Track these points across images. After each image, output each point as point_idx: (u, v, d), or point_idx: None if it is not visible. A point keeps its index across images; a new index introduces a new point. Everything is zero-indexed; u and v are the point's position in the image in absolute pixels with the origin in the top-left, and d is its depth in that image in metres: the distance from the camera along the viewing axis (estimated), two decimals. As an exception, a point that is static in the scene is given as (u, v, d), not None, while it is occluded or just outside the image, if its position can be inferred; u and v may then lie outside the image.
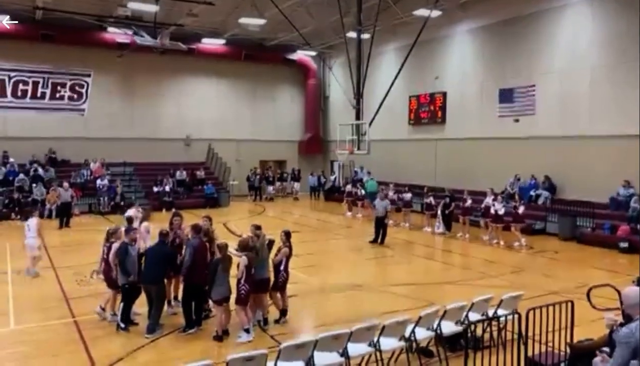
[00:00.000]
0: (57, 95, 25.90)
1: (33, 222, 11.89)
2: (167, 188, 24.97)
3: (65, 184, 20.70)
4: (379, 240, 16.26)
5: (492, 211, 16.50)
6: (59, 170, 24.44)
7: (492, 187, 17.87)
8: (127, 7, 20.32)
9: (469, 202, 17.70)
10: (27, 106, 25.30)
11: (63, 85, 26.00)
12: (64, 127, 25.58)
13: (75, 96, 26.32)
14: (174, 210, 12.45)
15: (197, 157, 29.05)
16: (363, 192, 23.01)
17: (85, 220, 20.65)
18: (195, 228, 8.61)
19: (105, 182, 23.92)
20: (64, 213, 19.92)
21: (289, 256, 8.74)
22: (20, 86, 25.13)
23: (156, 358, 7.39)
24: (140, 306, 8.56)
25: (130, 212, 12.05)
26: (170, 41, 23.05)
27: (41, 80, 25.56)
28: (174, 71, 28.20)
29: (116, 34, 25.23)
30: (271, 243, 8.84)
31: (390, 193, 20.31)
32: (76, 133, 25.79)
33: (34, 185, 22.70)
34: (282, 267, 8.65)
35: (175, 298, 9.32)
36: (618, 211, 16.48)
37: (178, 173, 26.71)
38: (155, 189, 24.95)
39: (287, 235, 8.88)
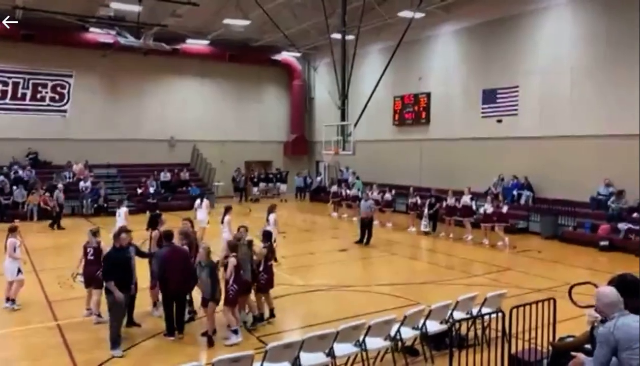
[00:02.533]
0: (38, 96, 25.54)
1: (123, 210, 14.57)
2: (151, 189, 24.74)
3: (60, 186, 20.99)
4: (365, 241, 16.33)
5: (482, 210, 16.64)
6: (41, 172, 24.09)
7: (471, 187, 18.07)
8: (110, 7, 20.10)
9: (451, 200, 17.84)
10: (7, 107, 24.91)
11: (44, 86, 25.65)
12: (45, 128, 25.25)
13: (57, 97, 25.98)
14: (157, 211, 12.42)
15: (181, 158, 28.85)
16: (354, 191, 22.81)
17: (68, 223, 20.36)
18: (166, 236, 8.49)
19: (89, 184, 23.64)
20: (57, 215, 19.92)
21: (268, 257, 8.71)
22: (0, 87, 24.73)
23: (140, 362, 7.32)
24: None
25: (205, 202, 15.54)
26: (154, 42, 22.89)
27: (21, 81, 25.19)
28: (158, 72, 27.99)
29: (99, 34, 24.94)
30: (250, 243, 8.78)
31: (375, 194, 20.41)
32: (58, 135, 25.46)
33: (14, 187, 22.34)
34: (261, 268, 8.60)
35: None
36: (598, 210, 16.77)
37: (162, 174, 26.51)
38: (138, 191, 24.72)
39: (265, 235, 8.89)
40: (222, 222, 13.04)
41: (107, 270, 7.59)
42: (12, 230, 9.76)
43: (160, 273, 8.17)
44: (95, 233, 9.21)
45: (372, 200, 17.66)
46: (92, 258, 8.93)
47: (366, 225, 16.44)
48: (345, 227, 20.18)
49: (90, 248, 9.00)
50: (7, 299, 9.47)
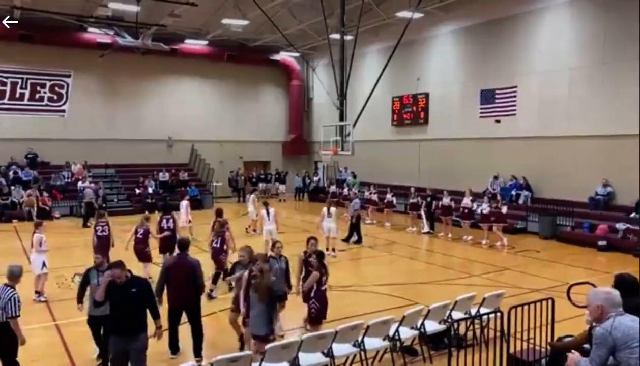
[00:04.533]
0: (37, 96, 25.51)
1: (184, 203, 16.50)
2: (150, 190, 24.74)
3: (93, 185, 21.72)
4: (356, 239, 16.47)
5: (480, 211, 16.64)
6: (39, 172, 24.07)
7: (471, 187, 18.08)
8: (108, 7, 20.06)
9: (446, 199, 17.86)
10: (6, 107, 24.88)
11: (42, 86, 25.62)
12: (43, 129, 25.23)
13: (55, 97, 25.94)
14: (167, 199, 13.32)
15: (180, 159, 28.85)
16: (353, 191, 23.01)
17: (66, 223, 20.34)
18: (180, 245, 7.77)
19: (87, 184, 23.61)
20: (89, 213, 20.20)
21: (321, 280, 7.46)
22: (-2, 87, 24.72)
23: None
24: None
25: (251, 198, 17.79)
26: (152, 42, 22.86)
27: (20, 81, 25.15)
28: (157, 72, 27.97)
29: (97, 34, 24.96)
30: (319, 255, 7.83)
31: (367, 193, 20.77)
32: (56, 135, 25.44)
33: (12, 187, 22.32)
34: (312, 294, 7.45)
35: None
36: (596, 210, 16.80)
37: (161, 174, 26.50)
38: (137, 191, 24.71)
39: (320, 256, 7.69)
40: (267, 214, 14.03)
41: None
42: (38, 226, 10.59)
43: (160, 283, 7.36)
44: (147, 218, 11.72)
45: (358, 199, 17.85)
46: (141, 237, 11.34)
47: (352, 224, 16.55)
48: (344, 227, 20.14)
49: (141, 229, 11.37)
50: (36, 292, 10.16)
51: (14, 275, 6.22)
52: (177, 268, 7.34)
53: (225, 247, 10.67)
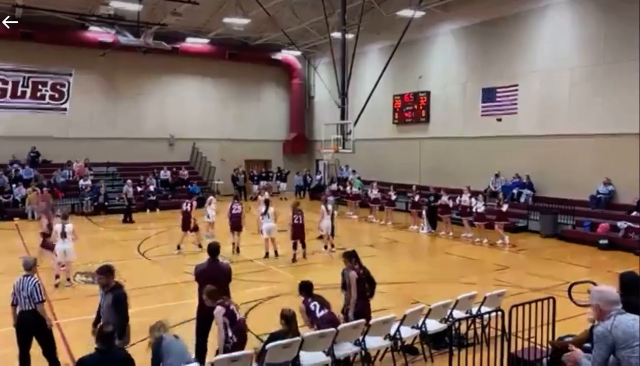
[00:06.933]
0: (38, 94, 25.44)
1: (212, 200, 17.20)
2: (151, 188, 24.78)
3: (129, 181, 22.65)
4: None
5: (475, 209, 16.66)
6: (41, 171, 24.10)
7: (469, 185, 18.10)
8: (110, 5, 20.07)
9: (445, 198, 17.88)
10: (7, 105, 24.82)
11: (44, 84, 25.53)
12: (45, 127, 25.23)
13: (57, 95, 25.87)
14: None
15: (181, 157, 28.87)
16: (355, 189, 23.18)
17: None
18: (210, 250, 7.20)
19: (88, 182, 23.67)
20: (127, 210, 21.02)
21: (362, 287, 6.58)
22: (0, 85, 24.69)
23: (140, 361, 7.31)
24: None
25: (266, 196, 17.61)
26: (154, 40, 22.87)
27: (21, 79, 25.07)
28: (158, 70, 27.97)
29: (98, 33, 24.93)
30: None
31: (375, 192, 20.87)
32: (58, 133, 25.47)
33: (14, 185, 22.36)
34: (349, 313, 6.66)
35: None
36: (598, 208, 16.79)
37: (162, 172, 26.53)
38: (139, 189, 24.72)
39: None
40: (266, 213, 14.20)
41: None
42: (65, 217, 11.43)
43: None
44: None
45: (332, 196, 18.65)
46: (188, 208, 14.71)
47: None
48: (346, 225, 20.16)
49: (187, 203, 14.99)
50: (68, 279, 11.14)
51: (29, 265, 6.65)
52: (207, 275, 6.84)
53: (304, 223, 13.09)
